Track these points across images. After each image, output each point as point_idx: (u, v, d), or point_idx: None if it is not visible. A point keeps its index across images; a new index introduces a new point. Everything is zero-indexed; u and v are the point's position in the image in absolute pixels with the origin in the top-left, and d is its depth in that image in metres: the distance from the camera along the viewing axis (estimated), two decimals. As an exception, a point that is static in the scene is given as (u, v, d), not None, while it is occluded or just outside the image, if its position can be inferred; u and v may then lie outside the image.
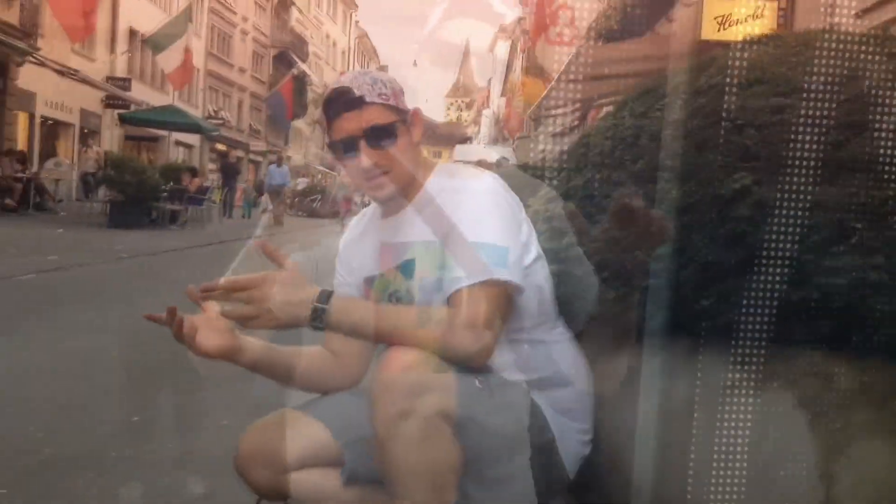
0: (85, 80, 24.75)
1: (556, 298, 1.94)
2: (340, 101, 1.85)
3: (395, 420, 1.60)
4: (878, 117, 1.89)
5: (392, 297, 1.90)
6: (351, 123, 1.84)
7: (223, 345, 1.80)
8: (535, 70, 22.72)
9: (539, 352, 1.87)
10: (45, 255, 9.36)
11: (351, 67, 62.25)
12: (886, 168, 1.85)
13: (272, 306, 1.65)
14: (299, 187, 30.97)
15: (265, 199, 25.14)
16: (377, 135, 1.83)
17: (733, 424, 1.89)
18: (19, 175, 17.36)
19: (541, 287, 1.87)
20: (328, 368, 1.97)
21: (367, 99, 1.83)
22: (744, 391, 1.88)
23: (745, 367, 1.89)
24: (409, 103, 1.92)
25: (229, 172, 24.95)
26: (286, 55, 45.85)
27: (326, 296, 1.68)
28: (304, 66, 46.88)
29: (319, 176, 44.74)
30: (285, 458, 1.83)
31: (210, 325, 1.78)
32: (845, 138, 1.87)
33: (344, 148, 1.86)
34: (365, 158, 1.83)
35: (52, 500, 2.67)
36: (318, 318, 1.67)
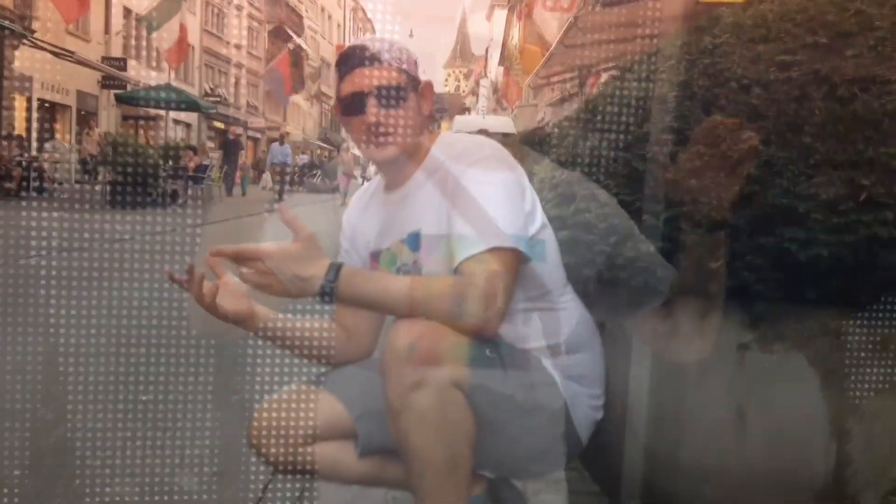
0: (81, 62, 24.62)
1: (565, 265, 1.94)
2: (355, 57, 1.84)
3: (408, 391, 1.60)
4: (886, 72, 1.87)
5: (399, 271, 1.89)
6: (362, 80, 1.83)
7: (240, 309, 1.81)
8: (532, 38, 22.53)
9: (549, 319, 1.87)
10: (46, 238, 9.37)
11: (347, 40, 61.83)
12: (894, 122, 1.84)
13: (283, 279, 1.65)
14: (301, 163, 30.88)
15: (266, 176, 25.06)
16: (386, 95, 1.82)
17: (745, 385, 1.89)
18: (18, 159, 17.33)
19: (548, 255, 1.87)
20: (339, 341, 1.97)
21: (382, 58, 1.82)
22: (756, 352, 1.88)
23: (757, 328, 1.89)
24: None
25: (231, 149, 24.68)
26: (282, 30, 45.52)
27: (335, 270, 1.67)
28: (299, 41, 46.59)
29: (318, 151, 44.63)
30: (299, 432, 1.84)
31: (227, 289, 1.79)
32: (852, 94, 1.85)
33: (351, 104, 1.85)
34: (370, 115, 1.82)
35: (66, 481, 2.69)
36: (328, 294, 1.66)
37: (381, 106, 1.82)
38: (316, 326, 1.95)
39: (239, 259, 1.69)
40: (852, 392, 1.83)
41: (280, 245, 1.67)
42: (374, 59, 1.82)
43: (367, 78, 1.82)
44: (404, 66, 1.84)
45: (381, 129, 1.83)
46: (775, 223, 1.83)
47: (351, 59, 1.84)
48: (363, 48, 1.83)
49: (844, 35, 1.94)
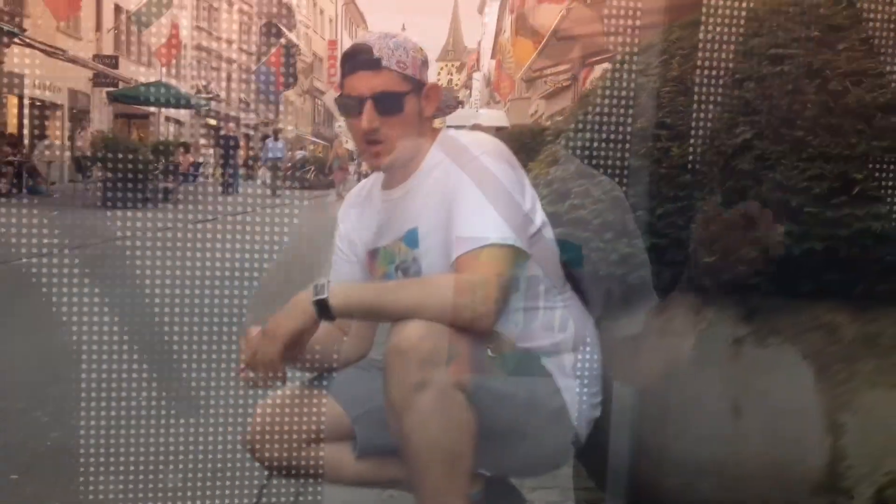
0: (72, 60, 24.52)
1: (562, 263, 1.94)
2: (357, 59, 1.82)
3: (410, 392, 1.60)
4: (878, 65, 1.87)
5: (399, 269, 1.89)
6: (362, 83, 1.81)
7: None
8: (525, 30, 22.49)
9: (548, 318, 1.87)
10: (41, 237, 9.35)
11: (339, 35, 61.69)
12: (887, 117, 1.84)
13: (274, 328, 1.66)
14: (297, 158, 30.83)
15: (262, 172, 24.97)
16: (384, 101, 1.81)
17: (740, 380, 1.89)
18: (11, 158, 17.27)
19: (548, 253, 1.87)
20: (336, 343, 1.97)
21: (384, 63, 1.80)
22: (749, 346, 1.88)
23: (751, 322, 1.89)
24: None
25: (229, 146, 24.29)
26: (273, 25, 45.39)
27: (322, 286, 1.68)
28: (291, 36, 46.46)
29: (312, 147, 44.55)
30: (296, 434, 1.84)
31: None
32: (845, 87, 1.85)
33: (350, 106, 1.84)
34: (366, 121, 1.81)
35: (63, 485, 2.68)
36: (324, 311, 1.66)
37: (378, 113, 1.81)
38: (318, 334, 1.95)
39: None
40: (846, 385, 1.83)
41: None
42: (375, 63, 1.80)
43: (367, 83, 1.81)
44: (408, 71, 1.82)
45: (377, 137, 1.83)
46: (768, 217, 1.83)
47: (353, 60, 1.83)
48: (366, 49, 1.81)
49: (836, 28, 1.94)
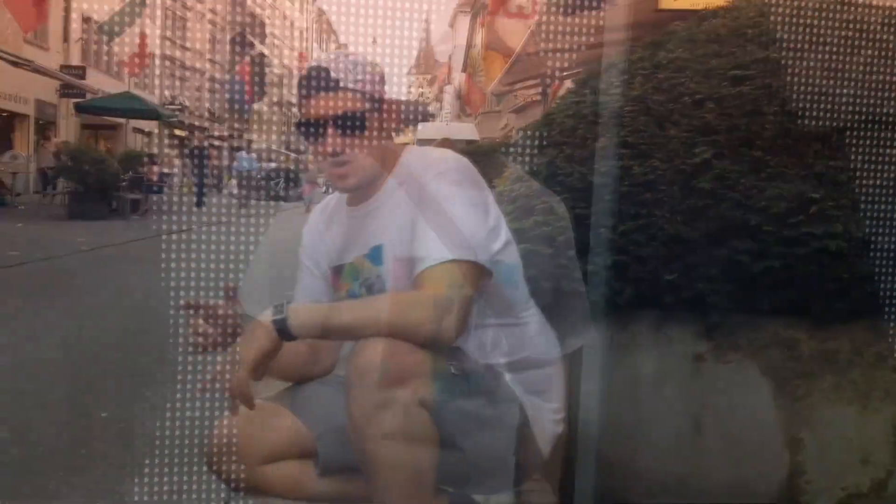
0: (39, 70, 24.26)
1: (526, 279, 1.94)
2: (315, 82, 1.80)
3: (373, 409, 1.60)
4: (835, 87, 1.91)
5: (363, 286, 1.89)
6: (322, 106, 1.80)
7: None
8: (495, 44, 22.60)
9: (511, 334, 1.87)
10: (5, 250, 9.22)
11: (309, 47, 61.61)
12: (842, 137, 1.88)
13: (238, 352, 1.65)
14: (267, 170, 30.70)
15: (233, 184, 24.82)
16: (346, 122, 1.80)
17: (701, 395, 1.91)
18: (-26, 169, 17.05)
19: (512, 271, 1.87)
20: (301, 358, 1.95)
21: (343, 84, 1.79)
22: (710, 362, 1.90)
23: (711, 339, 1.92)
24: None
25: (199, 157, 23.97)
26: (243, 37, 45.22)
27: (281, 306, 1.67)
28: (262, 48, 46.33)
29: (283, 158, 44.35)
30: (258, 451, 1.82)
31: None
32: (802, 108, 1.89)
33: (312, 129, 1.83)
34: (330, 144, 1.81)
35: (23, 500, 2.65)
36: (284, 331, 1.66)
37: (341, 134, 1.80)
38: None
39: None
40: (805, 401, 1.86)
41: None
42: (334, 85, 1.79)
43: (327, 105, 1.80)
44: (367, 88, 1.81)
45: (343, 159, 1.82)
46: (728, 236, 1.86)
47: (311, 83, 1.81)
48: (323, 71, 1.80)
49: (795, 50, 1.98)
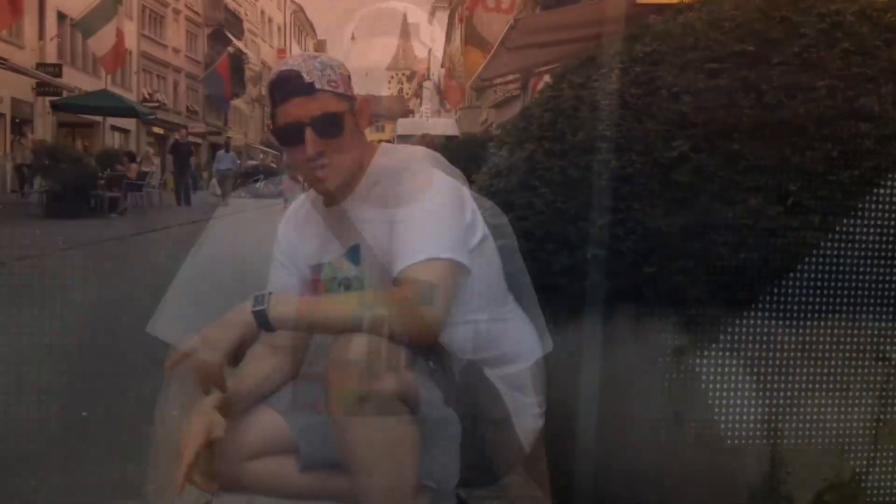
0: (14, 68, 24.02)
1: (505, 274, 1.95)
2: (289, 86, 1.79)
3: (353, 405, 1.60)
4: (811, 79, 1.92)
5: (341, 285, 1.88)
6: (298, 110, 1.79)
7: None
8: (474, 39, 22.60)
9: (491, 330, 1.87)
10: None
11: (287, 43, 61.36)
12: (819, 128, 1.88)
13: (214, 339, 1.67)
14: (247, 166, 30.64)
15: (213, 183, 24.68)
16: (324, 124, 1.79)
17: (681, 387, 1.92)
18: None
19: (489, 266, 1.87)
20: (271, 366, 1.93)
21: (317, 86, 1.78)
22: (688, 355, 1.91)
23: (690, 332, 1.92)
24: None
25: (182, 154, 23.36)
26: (221, 33, 44.99)
27: (262, 297, 1.68)
28: (239, 44, 46.10)
29: (262, 156, 44.19)
30: (239, 448, 1.82)
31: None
32: (779, 101, 1.90)
33: (288, 134, 1.82)
34: (310, 147, 1.80)
35: (3, 501, 2.63)
36: (264, 322, 1.66)
37: (320, 136, 1.79)
38: (253, 369, 1.91)
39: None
40: (784, 393, 1.87)
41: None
42: (309, 88, 1.78)
43: (303, 109, 1.78)
44: (339, 90, 1.81)
45: (322, 161, 1.81)
46: (706, 229, 1.87)
47: (284, 87, 1.80)
48: (296, 75, 1.78)
49: (771, 42, 1.99)
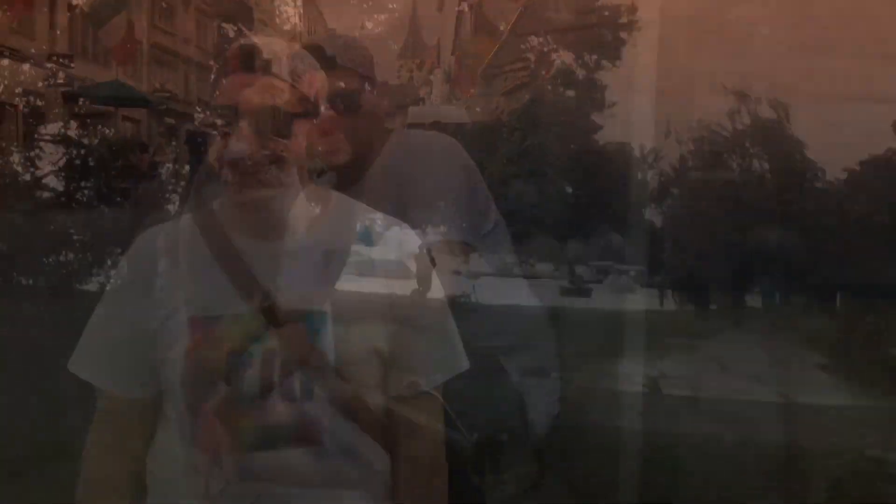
0: (26, 60, 24.06)
1: (518, 259, 1.94)
2: (309, 59, 1.80)
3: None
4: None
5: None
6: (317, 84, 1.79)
7: None
8: (484, 27, 22.54)
9: (504, 315, 1.87)
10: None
11: (299, 33, 61.22)
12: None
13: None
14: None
15: (224, 172, 24.69)
16: (341, 99, 1.80)
17: (700, 370, 1.92)
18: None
19: (502, 250, 1.87)
20: None
21: (339, 61, 1.79)
22: (711, 339, 1.90)
23: (711, 316, 1.92)
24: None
25: (198, 145, 23.17)
26: (231, 23, 44.92)
27: (269, 292, 1.65)
28: (250, 34, 46.00)
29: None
30: (251, 437, 1.81)
31: None
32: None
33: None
34: (326, 122, 1.79)
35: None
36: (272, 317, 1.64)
37: (335, 111, 1.78)
38: None
39: None
40: (801, 375, 1.86)
41: None
42: (330, 62, 1.77)
43: (322, 83, 1.78)
44: (360, 70, 1.81)
45: (333, 135, 1.81)
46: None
47: (305, 60, 1.80)
48: (318, 49, 1.78)
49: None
